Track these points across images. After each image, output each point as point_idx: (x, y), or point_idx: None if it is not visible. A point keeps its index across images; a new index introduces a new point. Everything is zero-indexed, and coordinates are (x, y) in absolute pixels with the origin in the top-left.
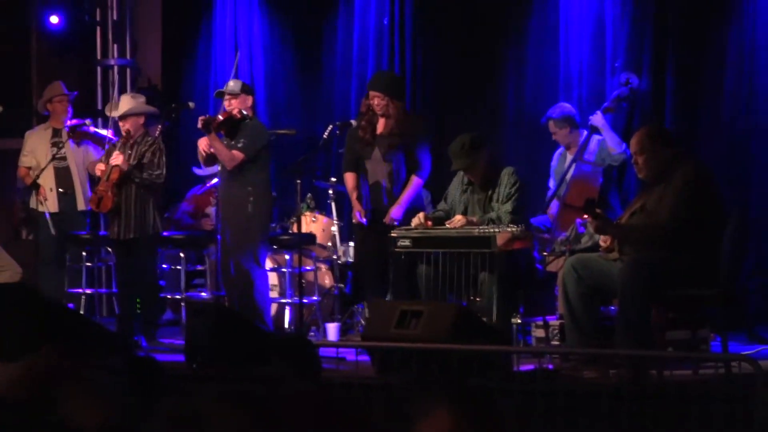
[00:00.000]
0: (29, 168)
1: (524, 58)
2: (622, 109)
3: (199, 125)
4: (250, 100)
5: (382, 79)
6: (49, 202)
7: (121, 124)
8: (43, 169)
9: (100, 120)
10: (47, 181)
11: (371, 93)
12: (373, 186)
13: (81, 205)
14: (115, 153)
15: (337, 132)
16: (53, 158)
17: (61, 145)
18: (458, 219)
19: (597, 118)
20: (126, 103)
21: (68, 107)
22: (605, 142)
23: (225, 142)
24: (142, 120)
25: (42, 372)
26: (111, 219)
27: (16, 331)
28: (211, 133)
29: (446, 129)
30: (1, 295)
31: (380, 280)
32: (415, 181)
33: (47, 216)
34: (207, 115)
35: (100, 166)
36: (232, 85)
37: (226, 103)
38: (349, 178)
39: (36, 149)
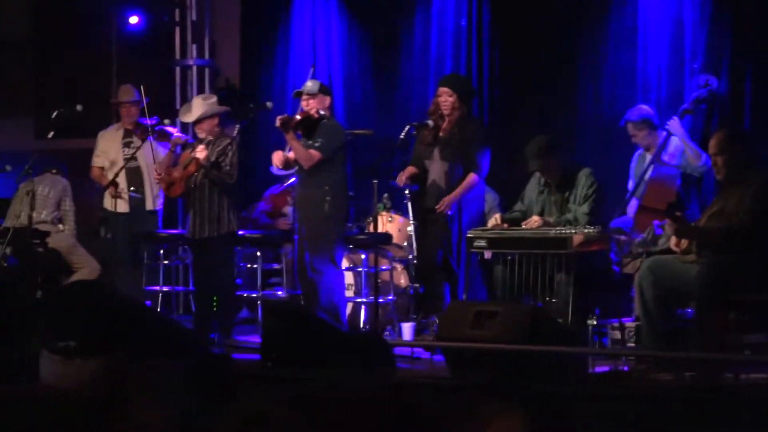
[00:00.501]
0: (102, 168)
1: (602, 60)
2: (700, 111)
3: (277, 124)
4: (327, 101)
5: (453, 78)
6: (120, 202)
7: (196, 128)
8: (120, 169)
9: (178, 121)
10: (119, 181)
11: (440, 89)
12: (430, 186)
13: (150, 205)
14: (201, 146)
15: (414, 133)
16: (128, 159)
17: (132, 146)
18: (535, 220)
19: (674, 125)
20: (198, 106)
21: (137, 113)
22: (687, 149)
23: (302, 142)
24: (216, 121)
25: (117, 371)
26: (192, 217)
27: (94, 330)
28: (289, 132)
29: (523, 130)
30: (80, 293)
31: (437, 274)
32: (471, 177)
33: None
34: (285, 115)
35: (184, 155)
36: (310, 85)
37: (303, 103)
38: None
39: (108, 150)
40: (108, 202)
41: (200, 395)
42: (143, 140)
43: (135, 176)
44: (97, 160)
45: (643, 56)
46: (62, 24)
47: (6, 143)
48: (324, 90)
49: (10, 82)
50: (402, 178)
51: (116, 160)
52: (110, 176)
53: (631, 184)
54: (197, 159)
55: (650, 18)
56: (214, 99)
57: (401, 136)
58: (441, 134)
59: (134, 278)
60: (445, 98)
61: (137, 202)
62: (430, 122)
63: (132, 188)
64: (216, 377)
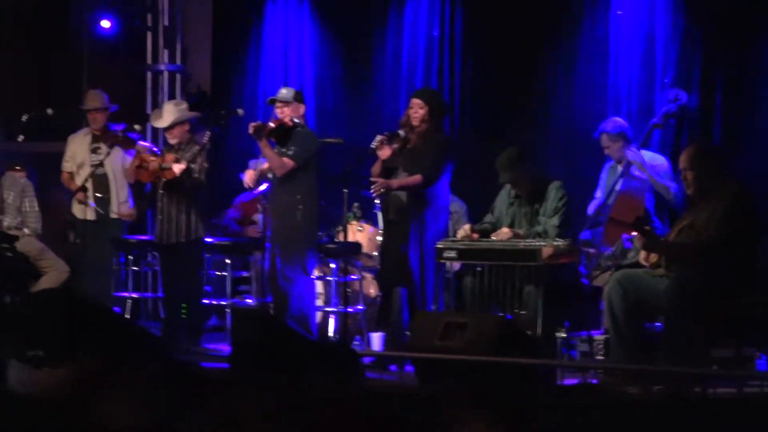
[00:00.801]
0: (70, 173)
1: (573, 73)
2: (670, 126)
3: (251, 131)
4: (302, 109)
5: (427, 91)
6: (88, 209)
7: (167, 134)
8: (88, 176)
9: (149, 126)
10: (87, 187)
11: (413, 100)
12: (392, 197)
13: (115, 212)
14: (178, 164)
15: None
16: (96, 165)
17: (99, 152)
18: (505, 232)
19: (633, 155)
20: (170, 112)
21: (104, 119)
22: (655, 185)
23: (276, 150)
24: (187, 127)
25: (85, 378)
26: (156, 223)
27: (62, 337)
28: (262, 139)
29: (494, 142)
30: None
31: (397, 277)
32: (415, 177)
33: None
34: (258, 122)
35: (165, 157)
36: (285, 92)
37: (278, 111)
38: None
39: (76, 154)
40: (76, 208)
41: (168, 401)
42: (110, 147)
43: (101, 183)
44: (66, 165)
45: (614, 69)
46: (34, 26)
47: None
48: (298, 98)
49: None
50: (376, 170)
51: (84, 165)
52: (78, 181)
53: (599, 194)
54: (171, 170)
55: (622, 32)
56: (185, 105)
57: (372, 145)
58: (407, 146)
59: (103, 284)
60: (416, 110)
61: (103, 208)
62: (401, 132)
63: (98, 194)
64: (183, 383)
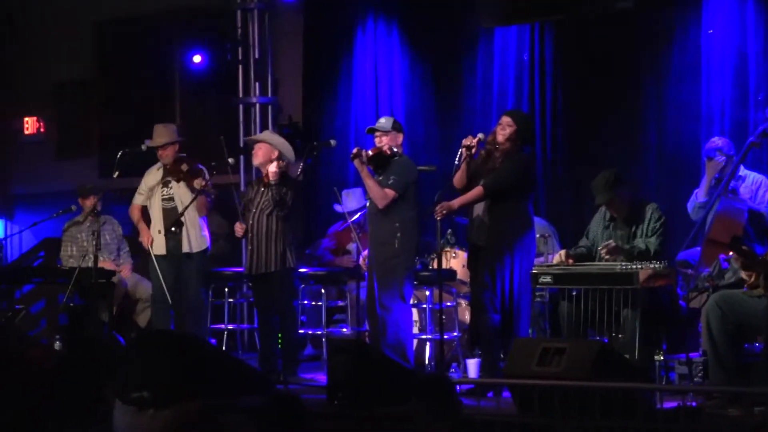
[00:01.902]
0: (142, 207)
1: (666, 93)
2: (767, 144)
3: (352, 157)
4: (400, 138)
5: (519, 112)
6: (156, 244)
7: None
8: (160, 211)
9: (242, 158)
10: (156, 222)
11: (503, 118)
12: (474, 219)
13: (185, 247)
14: (273, 164)
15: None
16: (166, 200)
17: (170, 186)
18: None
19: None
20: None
21: (173, 153)
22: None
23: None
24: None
25: (194, 419)
26: (249, 254)
27: (168, 380)
28: (363, 167)
29: (586, 165)
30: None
31: (483, 312)
32: (476, 189)
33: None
34: (358, 148)
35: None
36: (384, 121)
37: (376, 140)
38: None
39: (148, 188)
40: (153, 245)
41: None
42: (177, 181)
43: (172, 218)
44: (137, 198)
45: (706, 89)
46: (126, 64)
47: (70, 182)
48: (397, 127)
49: (75, 122)
50: (459, 179)
51: (154, 199)
52: (153, 215)
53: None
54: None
55: (713, 50)
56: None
57: (456, 161)
58: (488, 164)
59: (194, 319)
60: (504, 127)
61: (175, 244)
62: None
63: (173, 229)
64: (287, 417)
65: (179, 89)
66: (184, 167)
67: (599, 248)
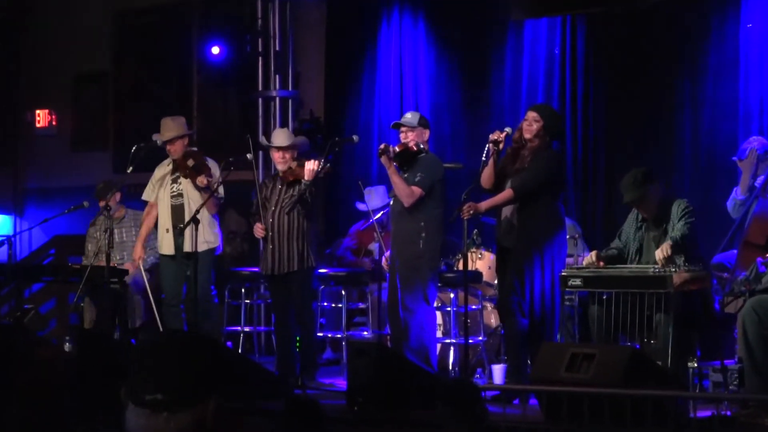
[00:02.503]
0: (152, 204)
1: (702, 90)
2: None
3: (380, 150)
4: (426, 134)
5: (544, 106)
6: (165, 243)
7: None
8: (168, 208)
9: (261, 155)
10: (164, 220)
11: (528, 113)
12: (503, 221)
13: (189, 246)
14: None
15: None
16: (174, 196)
17: (179, 182)
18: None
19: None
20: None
21: (182, 146)
22: None
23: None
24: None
25: (210, 423)
26: (265, 253)
27: (183, 382)
28: (391, 164)
29: (617, 164)
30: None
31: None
32: (506, 191)
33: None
34: (385, 144)
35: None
36: (410, 117)
37: (402, 136)
38: None
39: (158, 184)
40: (161, 243)
41: None
42: (185, 177)
43: (180, 215)
44: (145, 193)
45: (744, 86)
46: (142, 56)
47: (84, 178)
48: (423, 122)
49: (90, 115)
50: (487, 178)
51: (163, 196)
52: (161, 213)
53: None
54: (296, 173)
55: (752, 45)
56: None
57: (483, 157)
58: (516, 163)
59: (206, 320)
60: (531, 123)
61: (181, 243)
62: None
63: (181, 226)
64: (305, 422)
65: (197, 82)
66: (191, 162)
67: (658, 260)
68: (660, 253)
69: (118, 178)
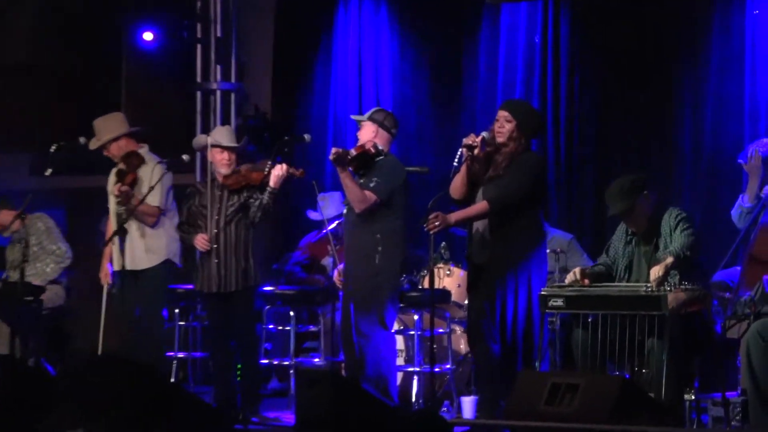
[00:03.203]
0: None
1: (703, 85)
2: None
3: (332, 157)
4: (386, 135)
5: (515, 102)
6: (114, 259)
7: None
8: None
9: (198, 155)
10: (111, 232)
11: (499, 113)
12: (474, 234)
13: (128, 263)
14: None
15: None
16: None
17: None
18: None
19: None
20: (230, 135)
21: (126, 146)
22: None
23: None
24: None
25: None
26: (202, 268)
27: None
28: (345, 169)
29: (609, 168)
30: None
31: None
32: (481, 203)
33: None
34: (340, 148)
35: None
36: (374, 113)
37: (360, 134)
38: None
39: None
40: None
41: None
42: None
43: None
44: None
45: (751, 80)
46: (65, 46)
47: None
48: (387, 121)
49: (6, 112)
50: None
51: (111, 204)
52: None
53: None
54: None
55: (759, 35)
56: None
57: (455, 163)
58: (490, 170)
59: (146, 345)
60: (502, 123)
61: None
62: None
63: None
64: None
65: (126, 73)
66: (122, 166)
67: (651, 280)
68: (655, 272)
69: (33, 181)
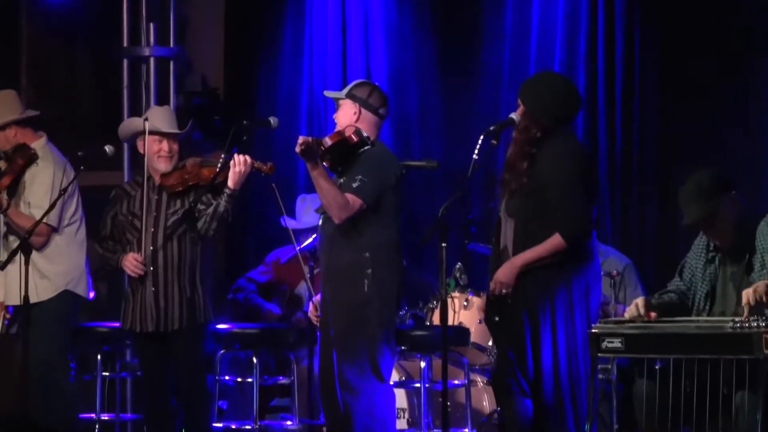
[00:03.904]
0: None
1: None
2: None
3: (299, 149)
4: (372, 117)
5: (531, 81)
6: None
7: (164, 148)
8: None
9: (126, 146)
10: None
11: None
12: (502, 252)
13: (13, 297)
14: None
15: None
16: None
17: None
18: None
19: None
20: (169, 118)
21: (22, 134)
22: None
23: (334, 180)
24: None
25: None
26: (132, 301)
27: None
28: (316, 164)
29: (677, 170)
30: None
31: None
32: (553, 239)
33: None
34: (308, 137)
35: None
36: (353, 87)
37: (335, 116)
38: None
39: None
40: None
41: None
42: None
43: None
44: None
45: None
46: None
47: None
48: (375, 100)
49: None
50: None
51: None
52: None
53: None
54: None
55: None
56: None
57: (475, 155)
58: (506, 174)
59: (50, 402)
60: (518, 115)
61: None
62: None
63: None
64: None
65: (27, 35)
66: (2, 165)
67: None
68: (748, 296)
69: None
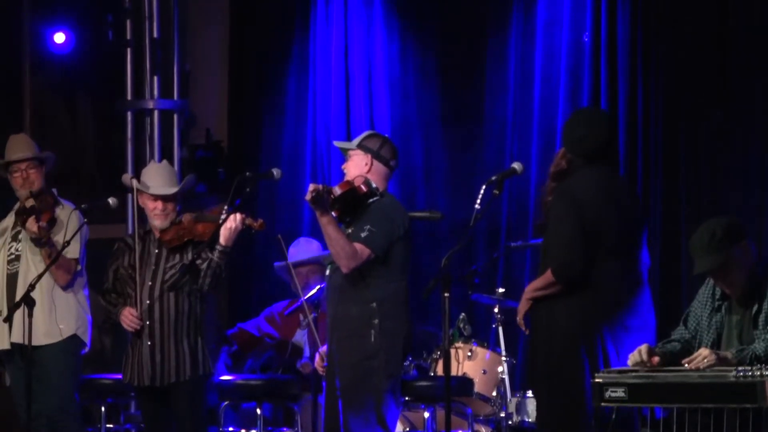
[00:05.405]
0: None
1: None
2: None
3: (308, 197)
4: (383, 169)
5: (569, 119)
6: (4, 330)
7: (159, 207)
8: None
9: (129, 198)
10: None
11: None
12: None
13: (16, 336)
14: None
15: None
16: (11, 259)
17: (19, 239)
18: (704, 355)
19: None
20: (168, 177)
21: (39, 178)
22: None
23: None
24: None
25: None
26: (133, 354)
27: None
28: (326, 213)
29: (687, 209)
30: None
31: None
32: (546, 274)
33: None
34: (320, 185)
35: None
36: (363, 139)
37: (345, 167)
38: None
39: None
40: None
41: None
42: (22, 226)
43: (14, 288)
44: None
45: None
46: None
47: None
48: (385, 152)
49: None
50: None
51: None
52: None
53: None
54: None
55: None
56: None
57: (477, 205)
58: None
59: None
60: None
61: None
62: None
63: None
64: None
65: (31, 86)
66: (30, 203)
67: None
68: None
69: None
